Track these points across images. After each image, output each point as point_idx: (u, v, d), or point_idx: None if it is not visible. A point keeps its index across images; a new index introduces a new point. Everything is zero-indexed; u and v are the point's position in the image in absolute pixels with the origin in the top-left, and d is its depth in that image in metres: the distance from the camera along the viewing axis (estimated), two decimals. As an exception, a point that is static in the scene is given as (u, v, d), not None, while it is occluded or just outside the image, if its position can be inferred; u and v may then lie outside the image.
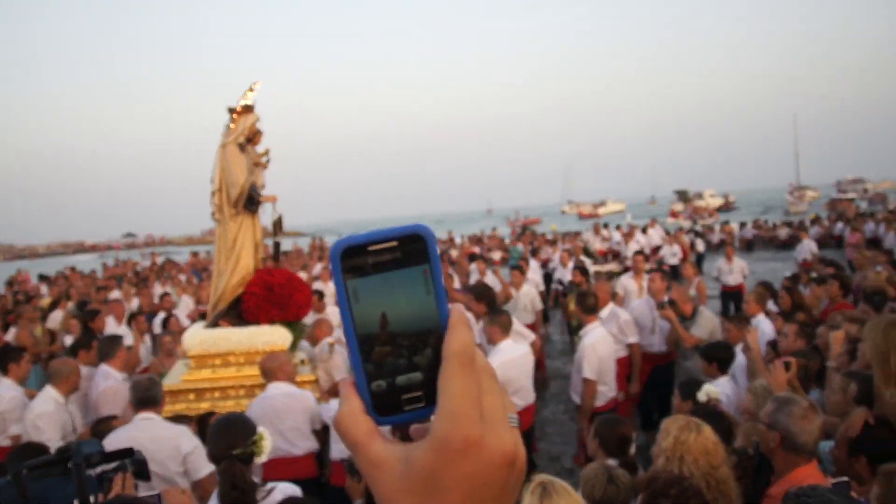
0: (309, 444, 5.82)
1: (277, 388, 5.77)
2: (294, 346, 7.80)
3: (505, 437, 0.63)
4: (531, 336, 8.10)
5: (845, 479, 3.06)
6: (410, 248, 0.67)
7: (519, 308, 10.85)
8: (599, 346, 6.83)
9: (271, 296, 7.60)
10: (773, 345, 5.90)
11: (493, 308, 7.52)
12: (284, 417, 5.66)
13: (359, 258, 0.67)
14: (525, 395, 6.49)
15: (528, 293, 11.26)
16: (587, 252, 21.14)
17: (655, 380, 8.28)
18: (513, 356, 6.34)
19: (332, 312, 9.75)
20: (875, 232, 24.23)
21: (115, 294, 15.62)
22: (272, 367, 5.80)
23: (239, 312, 7.67)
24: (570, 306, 11.22)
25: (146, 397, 4.91)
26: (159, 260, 30.64)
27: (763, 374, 4.99)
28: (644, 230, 25.46)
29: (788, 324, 6.17)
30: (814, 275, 9.48)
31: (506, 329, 6.45)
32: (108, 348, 6.66)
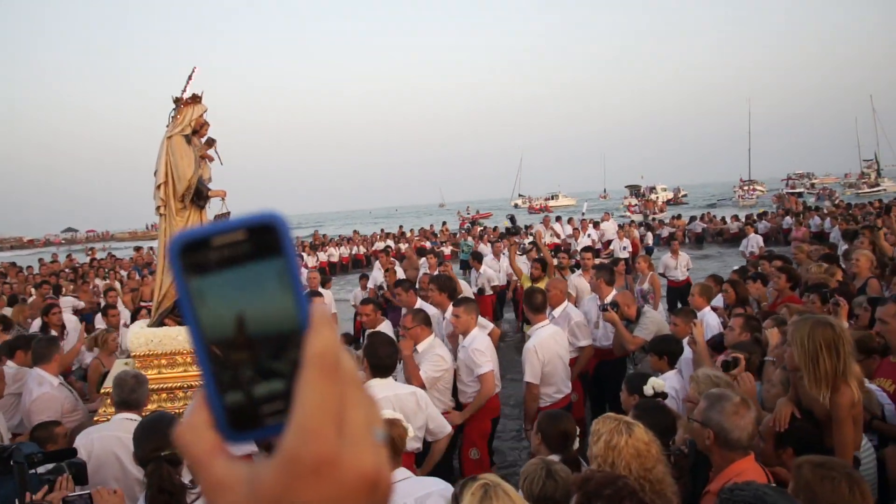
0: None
1: None
2: None
3: (365, 457, 0.55)
4: (489, 325, 8.03)
5: None
6: (261, 239, 0.59)
7: None
8: (543, 346, 6.72)
9: None
10: (712, 344, 5.93)
11: (454, 298, 7.65)
12: None
13: (202, 254, 0.59)
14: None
15: (466, 288, 11.06)
16: (535, 245, 21.17)
17: (603, 374, 8.27)
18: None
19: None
20: (821, 226, 24.78)
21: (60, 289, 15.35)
22: None
23: None
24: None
25: (130, 400, 4.76)
26: (99, 255, 29.93)
27: (708, 366, 5.03)
28: (596, 224, 25.70)
29: (734, 317, 6.23)
30: (751, 273, 9.59)
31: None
32: (44, 351, 6.39)
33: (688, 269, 14.79)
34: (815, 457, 2.92)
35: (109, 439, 4.51)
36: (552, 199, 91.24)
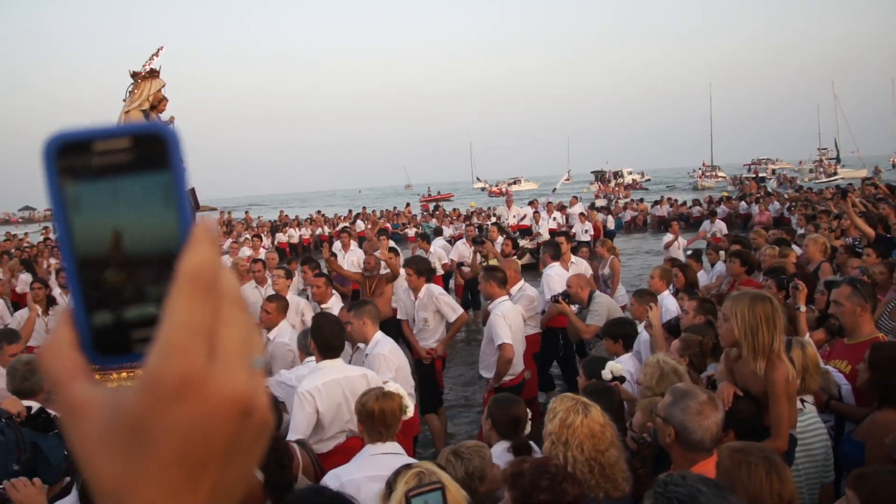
0: None
1: None
2: None
3: (238, 380, 0.51)
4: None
5: None
6: (148, 150, 0.54)
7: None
8: (509, 315, 6.85)
9: None
10: (668, 328, 5.95)
11: (430, 279, 7.93)
12: None
13: (81, 157, 0.53)
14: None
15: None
16: (499, 227, 21.23)
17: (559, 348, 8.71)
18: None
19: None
20: (780, 211, 25.12)
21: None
22: None
23: None
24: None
25: (24, 388, 4.56)
26: (53, 235, 29.29)
27: (664, 350, 5.05)
28: (563, 208, 25.80)
29: (689, 300, 6.26)
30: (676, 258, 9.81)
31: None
32: None
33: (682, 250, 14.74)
34: (736, 443, 2.91)
35: None
36: (514, 183, 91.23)
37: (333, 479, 3.72)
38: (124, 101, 7.29)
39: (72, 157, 0.53)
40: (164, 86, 7.43)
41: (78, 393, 0.53)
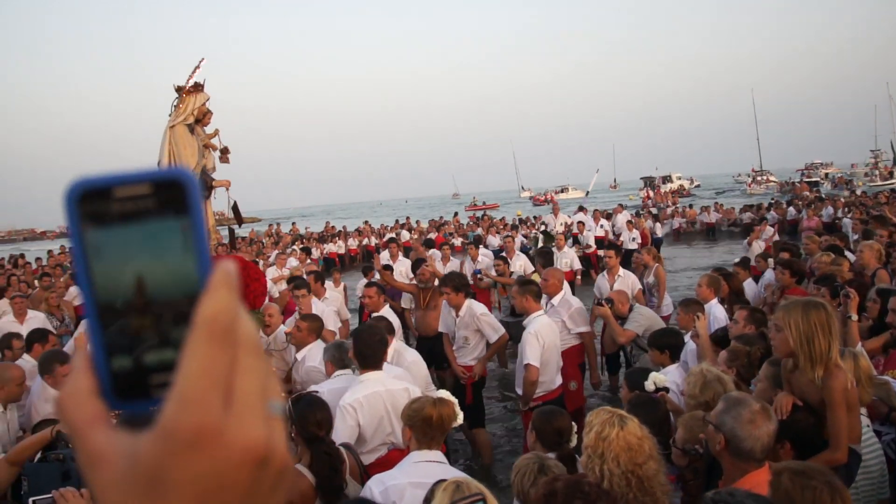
0: None
1: None
2: None
3: (253, 429, 0.51)
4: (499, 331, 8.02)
5: None
6: (167, 195, 0.55)
7: None
8: (542, 333, 6.71)
9: None
10: (714, 339, 5.84)
11: (467, 294, 7.81)
12: None
13: (102, 203, 0.54)
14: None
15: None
16: (547, 234, 21.15)
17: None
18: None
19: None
20: (833, 216, 24.55)
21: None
22: None
23: None
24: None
25: None
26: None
27: (710, 360, 4.95)
28: (608, 216, 25.61)
29: (739, 310, 6.14)
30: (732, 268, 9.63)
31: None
32: (48, 364, 5.99)
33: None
34: (794, 463, 2.83)
35: None
36: (561, 191, 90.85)
37: (378, 484, 3.73)
38: (169, 115, 7.41)
39: (93, 203, 0.54)
40: (208, 99, 7.53)
41: (98, 441, 0.53)
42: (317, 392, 5.31)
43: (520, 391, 6.93)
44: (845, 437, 3.58)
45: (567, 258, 15.30)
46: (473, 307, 7.72)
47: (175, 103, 7.46)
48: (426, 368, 6.28)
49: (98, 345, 0.55)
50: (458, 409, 4.12)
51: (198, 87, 7.50)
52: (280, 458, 0.52)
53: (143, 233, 0.55)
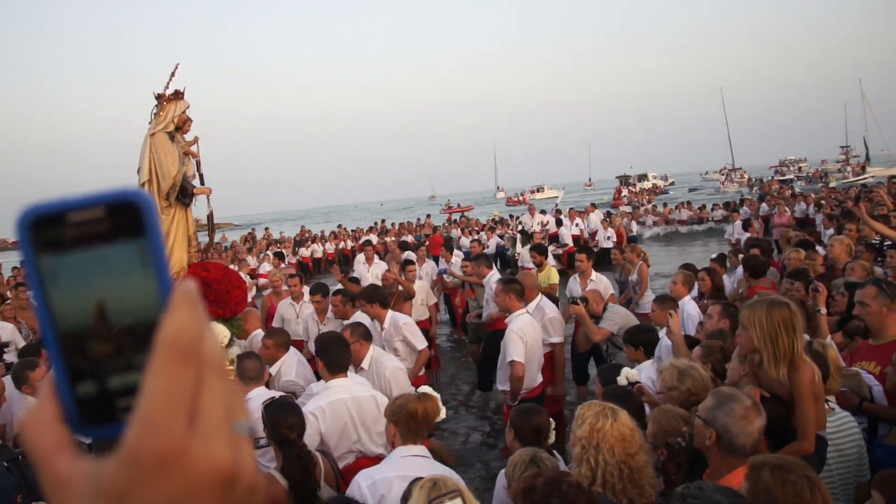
0: None
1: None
2: (231, 343, 7.47)
3: (219, 450, 0.50)
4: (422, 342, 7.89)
5: None
6: (122, 218, 0.54)
7: (416, 303, 10.36)
8: (524, 331, 6.73)
9: (208, 292, 7.18)
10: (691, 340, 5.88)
11: (386, 306, 7.64)
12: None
13: (56, 229, 0.54)
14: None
15: (422, 287, 10.70)
16: (524, 233, 21.23)
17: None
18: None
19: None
20: (805, 212, 24.81)
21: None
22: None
23: None
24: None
25: None
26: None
27: (685, 356, 4.99)
28: (581, 215, 25.75)
29: (713, 304, 6.21)
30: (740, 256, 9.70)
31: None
32: (20, 374, 6.03)
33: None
34: (773, 458, 2.84)
35: None
36: (537, 191, 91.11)
37: (365, 478, 3.74)
38: (149, 123, 7.38)
39: (46, 229, 0.54)
40: (188, 107, 7.51)
41: (62, 467, 0.52)
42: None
43: (501, 387, 6.97)
44: (813, 428, 3.64)
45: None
46: (396, 318, 7.59)
47: (155, 111, 7.42)
48: (406, 375, 6.18)
49: (60, 371, 0.55)
50: (440, 403, 4.14)
51: (178, 95, 7.46)
52: (247, 478, 0.52)
53: (100, 257, 0.54)
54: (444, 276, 12.52)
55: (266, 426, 4.06)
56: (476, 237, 21.14)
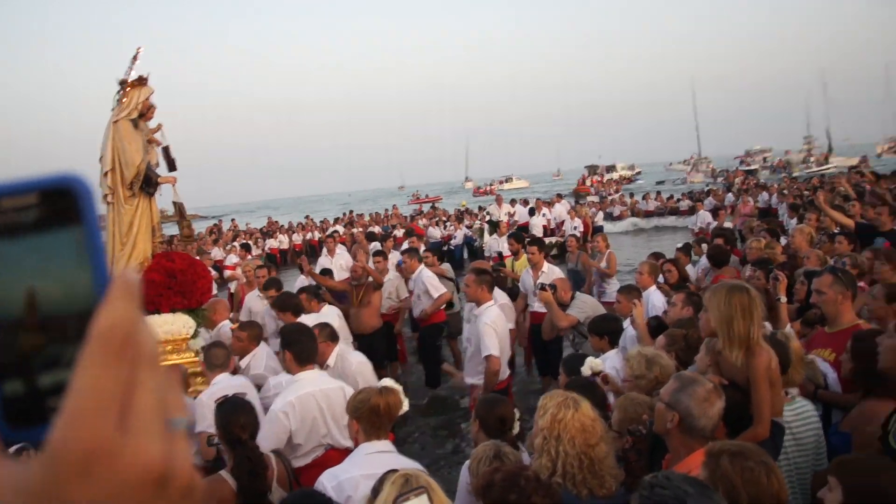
0: None
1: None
2: (196, 334, 7.43)
3: (150, 447, 0.48)
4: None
5: None
6: (56, 204, 0.52)
7: (384, 296, 10.21)
8: (496, 323, 6.75)
9: (173, 283, 7.18)
10: (650, 328, 5.93)
11: (298, 315, 7.34)
12: None
13: None
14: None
15: (391, 281, 10.55)
16: (491, 223, 21.27)
17: (540, 340, 8.79)
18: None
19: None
20: (768, 202, 25.11)
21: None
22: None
23: None
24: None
25: None
26: None
27: (648, 345, 5.04)
28: (549, 205, 25.88)
29: (676, 293, 6.27)
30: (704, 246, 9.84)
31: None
32: None
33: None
34: (730, 444, 2.88)
35: None
36: (506, 181, 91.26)
37: (331, 478, 3.69)
38: (112, 109, 7.26)
39: None
40: (152, 93, 7.41)
41: None
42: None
43: (470, 380, 6.94)
44: (768, 413, 3.69)
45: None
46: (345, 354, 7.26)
47: (118, 97, 7.30)
48: (372, 370, 6.12)
49: None
50: (403, 395, 4.09)
51: (142, 81, 7.34)
52: (182, 476, 0.50)
53: (32, 246, 0.51)
54: (402, 266, 12.34)
55: (218, 426, 3.98)
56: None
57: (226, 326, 7.41)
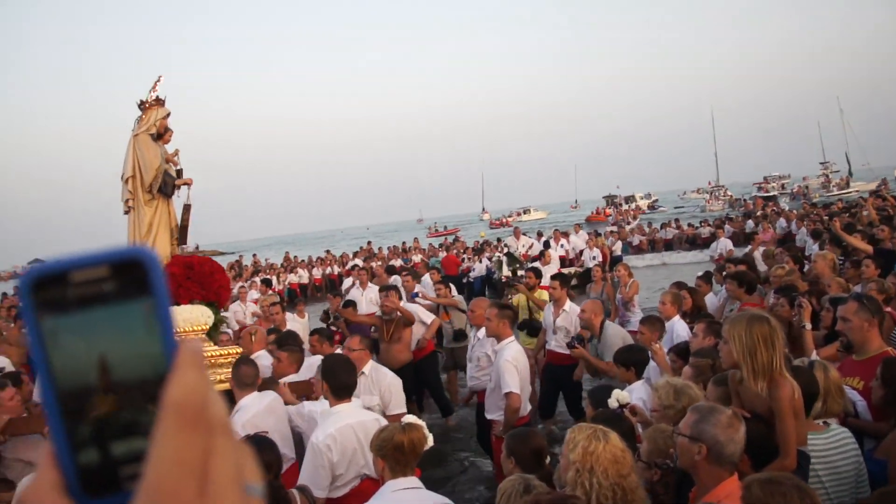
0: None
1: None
2: (216, 329, 7.54)
3: None
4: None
5: None
6: (127, 276, 0.53)
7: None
8: (518, 360, 6.70)
9: (191, 273, 7.37)
10: (677, 351, 5.91)
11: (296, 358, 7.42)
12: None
13: (58, 290, 0.52)
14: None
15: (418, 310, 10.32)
16: (511, 256, 21.23)
17: (555, 376, 8.73)
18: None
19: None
20: (787, 228, 24.95)
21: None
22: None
23: None
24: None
25: None
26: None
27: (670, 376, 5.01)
28: (566, 236, 25.82)
29: (698, 322, 6.23)
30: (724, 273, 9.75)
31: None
32: None
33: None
34: (761, 475, 2.87)
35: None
36: (524, 213, 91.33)
37: None
38: (132, 130, 7.55)
39: (48, 290, 0.52)
40: (168, 114, 7.73)
41: None
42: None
43: (490, 416, 6.90)
44: (794, 445, 3.65)
45: (553, 271, 15.50)
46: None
47: (138, 118, 7.64)
48: (402, 388, 6.46)
49: (61, 437, 0.52)
50: (427, 431, 4.07)
51: (159, 101, 7.72)
52: None
53: (104, 317, 0.52)
54: (417, 299, 12.21)
55: None
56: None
57: (262, 356, 7.41)
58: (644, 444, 3.99)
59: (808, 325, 5.46)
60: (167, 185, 7.46)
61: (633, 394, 5.25)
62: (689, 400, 4.21)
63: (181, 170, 7.88)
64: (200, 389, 0.50)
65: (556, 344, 8.38)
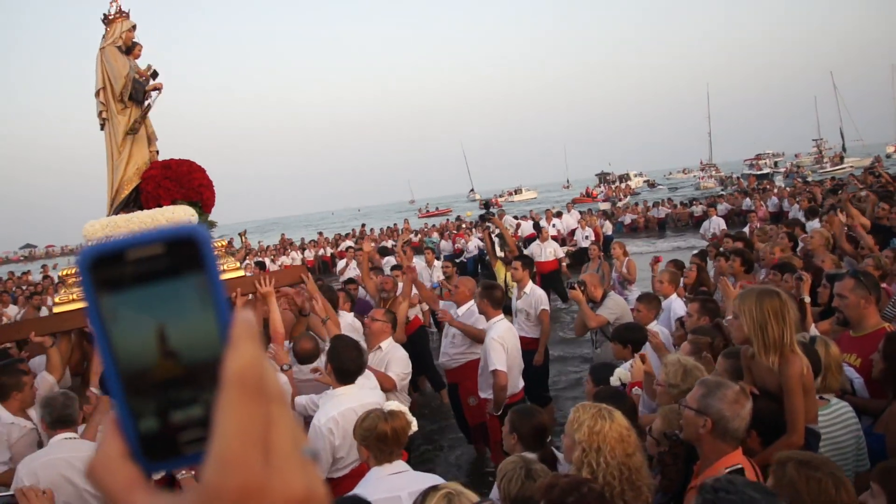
0: None
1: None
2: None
3: (294, 480, 0.51)
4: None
5: None
6: (181, 254, 0.56)
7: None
8: (505, 338, 6.70)
9: (169, 172, 7.35)
10: (681, 322, 5.92)
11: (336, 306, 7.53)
12: None
13: (115, 268, 0.55)
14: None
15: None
16: (502, 238, 21.22)
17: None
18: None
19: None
20: (779, 206, 24.97)
21: (10, 310, 15.08)
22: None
23: (140, 206, 7.27)
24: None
25: (64, 416, 4.42)
26: (53, 273, 26.31)
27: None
28: (559, 215, 25.80)
29: (691, 302, 6.19)
30: (721, 249, 9.73)
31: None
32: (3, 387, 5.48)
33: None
34: (799, 454, 2.86)
35: (55, 463, 4.18)
36: (515, 193, 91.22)
37: None
38: (100, 43, 7.56)
39: (106, 269, 0.55)
40: (134, 27, 7.67)
41: None
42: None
43: (483, 395, 6.93)
44: (802, 421, 3.64)
45: (550, 247, 16.14)
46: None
47: (104, 33, 7.65)
48: (409, 365, 6.60)
49: (124, 408, 0.56)
50: (410, 416, 4.05)
51: (123, 14, 7.69)
52: (321, 500, 0.53)
53: (160, 293, 0.55)
54: (436, 289, 11.71)
55: None
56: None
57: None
58: (658, 421, 3.97)
59: (808, 298, 5.46)
60: (138, 91, 7.43)
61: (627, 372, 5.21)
62: (694, 382, 4.20)
63: (155, 71, 7.81)
64: (258, 361, 0.53)
65: (518, 327, 8.08)
